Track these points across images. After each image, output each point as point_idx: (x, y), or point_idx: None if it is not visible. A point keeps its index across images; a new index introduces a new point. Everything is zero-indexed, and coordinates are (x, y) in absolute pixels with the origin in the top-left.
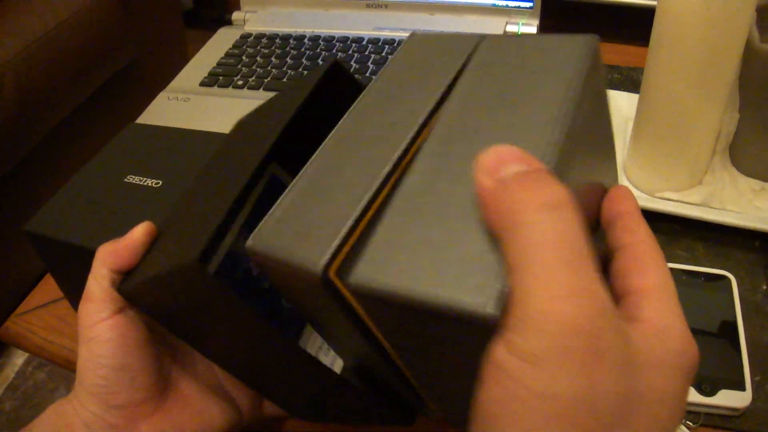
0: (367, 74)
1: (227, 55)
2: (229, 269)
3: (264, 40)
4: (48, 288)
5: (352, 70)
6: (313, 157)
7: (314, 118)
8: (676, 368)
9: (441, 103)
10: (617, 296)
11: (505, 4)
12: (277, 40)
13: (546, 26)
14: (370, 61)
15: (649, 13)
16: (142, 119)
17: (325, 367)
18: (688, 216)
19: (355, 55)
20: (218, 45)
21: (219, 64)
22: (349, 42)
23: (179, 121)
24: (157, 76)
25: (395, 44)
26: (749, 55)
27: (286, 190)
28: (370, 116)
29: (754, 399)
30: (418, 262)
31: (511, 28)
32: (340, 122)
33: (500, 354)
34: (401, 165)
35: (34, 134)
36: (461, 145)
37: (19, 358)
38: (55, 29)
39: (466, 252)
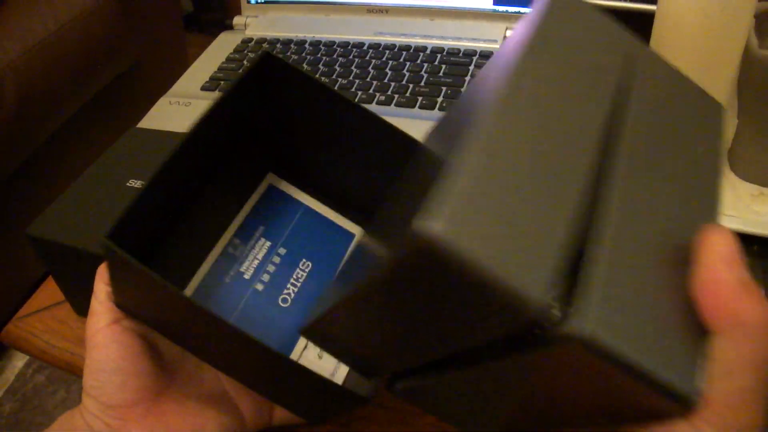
0: (368, 79)
1: (228, 59)
2: (220, 271)
3: (265, 45)
4: (50, 291)
5: (352, 75)
6: (467, 137)
7: (261, 110)
8: None
9: (611, 120)
10: None
11: (505, 10)
12: (278, 45)
13: None
14: (371, 66)
15: (648, 18)
16: (143, 124)
17: (316, 375)
18: None
19: (356, 60)
20: (219, 49)
21: (220, 69)
22: (350, 47)
23: (181, 125)
24: (158, 80)
25: (396, 49)
26: (747, 61)
27: (448, 169)
28: (528, 105)
29: None
30: (640, 328)
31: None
32: (493, 92)
33: None
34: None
35: (34, 138)
36: (652, 194)
37: (19, 361)
38: (56, 33)
39: (676, 327)
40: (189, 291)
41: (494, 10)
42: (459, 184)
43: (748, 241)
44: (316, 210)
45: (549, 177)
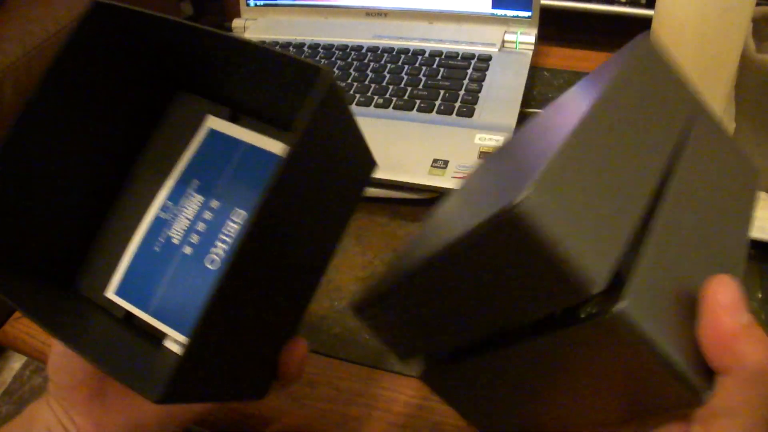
0: (366, 82)
1: None
2: (150, 242)
3: None
4: None
5: (351, 78)
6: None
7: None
8: None
9: (667, 170)
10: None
11: (503, 14)
12: (277, 48)
13: (544, 36)
14: (369, 69)
15: (646, 22)
16: None
17: None
18: None
19: (354, 63)
20: None
21: None
22: (348, 50)
23: None
24: None
25: (394, 52)
26: (745, 65)
27: (545, 162)
28: (605, 135)
29: None
30: (673, 332)
31: (510, 37)
32: (576, 119)
33: None
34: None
35: None
36: (687, 235)
37: (16, 362)
38: (56, 35)
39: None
40: (120, 271)
41: (492, 14)
42: (552, 176)
43: None
44: (260, 146)
45: (618, 192)
